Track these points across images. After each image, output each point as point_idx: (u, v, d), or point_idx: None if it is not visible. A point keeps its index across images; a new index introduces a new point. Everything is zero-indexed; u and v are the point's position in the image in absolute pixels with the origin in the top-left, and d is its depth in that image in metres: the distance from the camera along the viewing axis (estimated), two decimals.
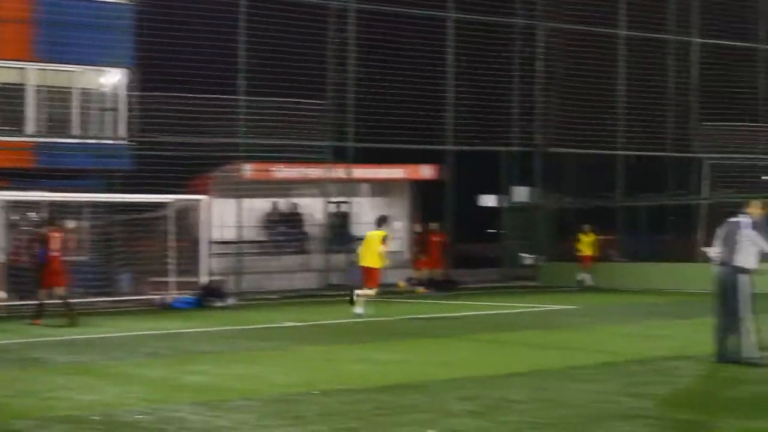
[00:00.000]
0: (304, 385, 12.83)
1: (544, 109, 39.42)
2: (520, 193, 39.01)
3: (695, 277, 31.35)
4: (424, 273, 34.21)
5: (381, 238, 24.39)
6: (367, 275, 24.32)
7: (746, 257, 14.44)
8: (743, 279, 14.42)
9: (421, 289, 33.38)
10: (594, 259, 35.23)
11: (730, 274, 14.50)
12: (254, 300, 30.15)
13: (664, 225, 40.61)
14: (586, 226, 35.43)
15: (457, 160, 37.93)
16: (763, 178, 44.48)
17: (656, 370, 13.87)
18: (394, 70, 36.39)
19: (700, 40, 42.36)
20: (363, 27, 35.80)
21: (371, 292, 24.09)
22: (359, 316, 23.35)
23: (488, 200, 40.62)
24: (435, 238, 34.19)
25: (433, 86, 37.43)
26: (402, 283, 33.48)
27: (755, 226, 14.53)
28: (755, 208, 14.74)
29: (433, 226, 34.56)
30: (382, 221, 25.56)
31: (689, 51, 42.39)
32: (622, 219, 39.41)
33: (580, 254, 35.21)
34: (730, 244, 14.55)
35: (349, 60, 35.58)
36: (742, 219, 14.63)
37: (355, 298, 23.79)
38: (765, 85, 44.07)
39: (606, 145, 40.32)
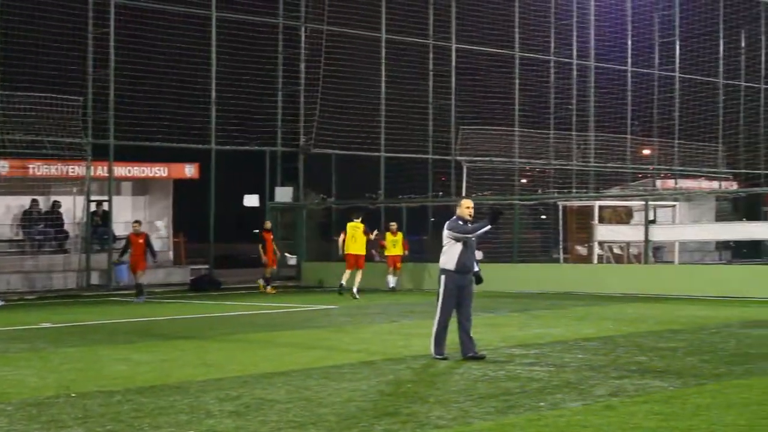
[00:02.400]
0: (60, 387, 12.57)
1: (308, 109, 39.69)
2: (284, 193, 39.14)
3: None
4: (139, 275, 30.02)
5: (362, 228, 30.13)
6: (358, 262, 30.06)
7: (446, 258, 15.09)
8: (442, 279, 15.11)
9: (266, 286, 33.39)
10: (402, 259, 34.01)
11: (439, 275, 15.28)
12: (11, 300, 29.27)
13: (425, 226, 41.59)
14: (393, 225, 34.50)
15: (221, 160, 37.81)
16: (522, 181, 46.13)
17: (412, 368, 14.21)
18: (157, 68, 35.99)
19: (458, 45, 43.54)
20: (124, 22, 35.20)
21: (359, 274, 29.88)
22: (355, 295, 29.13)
23: (252, 200, 40.57)
24: (136, 240, 30.03)
25: (197, 85, 37.17)
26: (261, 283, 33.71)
27: (451, 224, 15.03)
28: (462, 208, 15.23)
29: (136, 227, 30.48)
30: (359, 212, 30.74)
31: (448, 56, 43.49)
32: (384, 220, 40.05)
33: (387, 255, 33.86)
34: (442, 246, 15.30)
35: (110, 56, 34.91)
36: (449, 221, 15.21)
37: (343, 284, 29.65)
38: (520, 90, 45.64)
39: (369, 146, 40.97)
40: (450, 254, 15.03)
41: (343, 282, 29.88)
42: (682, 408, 10.98)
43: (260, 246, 33.77)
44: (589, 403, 11.32)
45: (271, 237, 34.11)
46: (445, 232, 15.13)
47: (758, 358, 14.98)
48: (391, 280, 33.55)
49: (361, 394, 11.94)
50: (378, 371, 13.93)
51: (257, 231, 35.53)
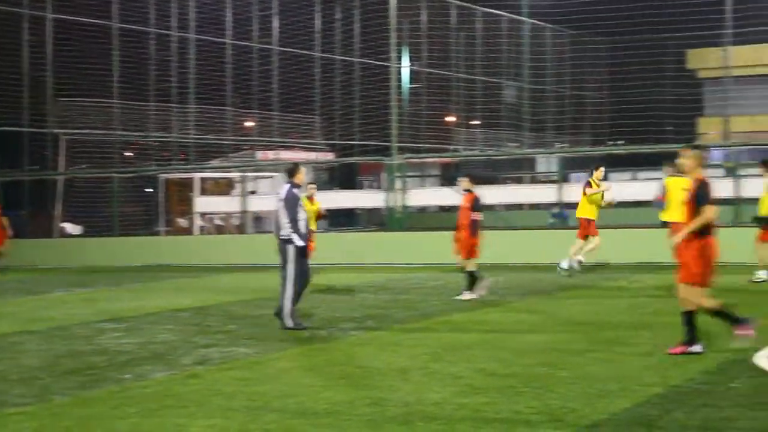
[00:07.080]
0: None
1: None
2: None
3: (52, 253, 31.58)
4: None
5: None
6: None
7: (288, 228, 14.82)
8: (290, 250, 14.87)
9: None
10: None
11: (279, 244, 14.96)
12: None
13: (21, 201, 40.35)
14: None
15: None
16: (127, 154, 45.73)
17: None
18: None
19: (54, 15, 42.46)
20: None
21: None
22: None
23: None
24: None
25: None
26: None
27: (288, 197, 14.81)
28: (302, 175, 15.10)
29: None
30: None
31: (43, 25, 42.34)
32: None
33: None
34: (275, 215, 15.02)
35: None
36: (284, 189, 14.96)
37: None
38: (120, 62, 45.08)
39: None
40: (289, 224, 14.83)
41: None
42: (264, 373, 11.37)
43: None
44: (175, 373, 11.50)
45: None
46: (279, 204, 14.84)
47: (343, 321, 15.69)
48: None
49: None
50: None
51: None
